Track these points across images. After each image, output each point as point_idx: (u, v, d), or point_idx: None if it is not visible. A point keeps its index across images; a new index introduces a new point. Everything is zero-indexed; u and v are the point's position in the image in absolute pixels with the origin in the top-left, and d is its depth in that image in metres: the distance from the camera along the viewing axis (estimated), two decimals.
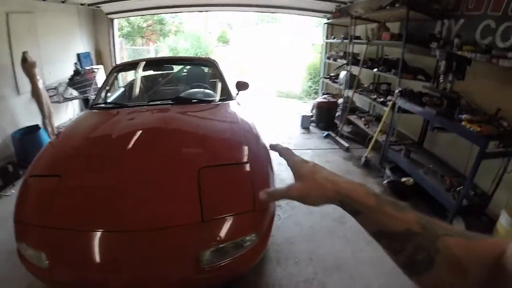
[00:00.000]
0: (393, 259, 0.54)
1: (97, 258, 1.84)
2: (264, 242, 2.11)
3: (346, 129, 6.01)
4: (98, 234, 1.90)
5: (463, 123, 2.92)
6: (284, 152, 0.72)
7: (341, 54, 7.00)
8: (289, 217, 3.35)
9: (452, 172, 3.51)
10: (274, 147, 0.75)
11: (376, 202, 0.55)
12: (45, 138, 4.75)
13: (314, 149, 5.44)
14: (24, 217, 2.06)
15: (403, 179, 3.69)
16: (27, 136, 4.69)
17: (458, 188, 3.10)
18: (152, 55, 14.50)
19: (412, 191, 3.62)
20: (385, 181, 3.91)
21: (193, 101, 3.63)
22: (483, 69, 3.21)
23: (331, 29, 8.15)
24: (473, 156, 2.88)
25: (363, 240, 2.95)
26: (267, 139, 2.82)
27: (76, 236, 1.90)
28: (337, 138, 5.75)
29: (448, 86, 3.43)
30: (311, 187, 0.62)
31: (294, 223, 3.26)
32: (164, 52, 15.69)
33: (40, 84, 4.92)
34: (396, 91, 4.11)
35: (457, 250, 0.47)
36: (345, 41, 6.41)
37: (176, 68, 5.21)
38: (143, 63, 4.49)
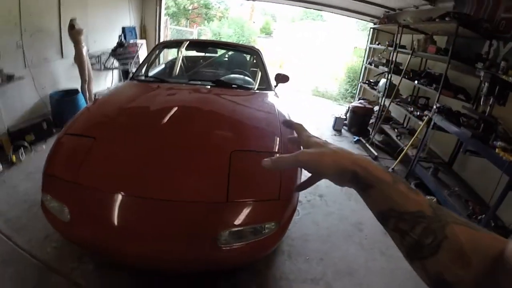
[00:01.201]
0: (398, 241, 0.51)
1: (118, 220, 1.88)
2: (281, 232, 2.11)
3: (377, 137, 5.94)
4: (122, 197, 1.94)
5: (497, 150, 2.84)
6: (297, 126, 0.70)
7: (383, 61, 6.88)
8: (308, 215, 3.39)
9: (476, 199, 3.44)
10: (287, 122, 0.73)
11: (391, 179, 0.53)
12: (82, 102, 4.97)
13: None
14: (54, 170, 2.12)
15: (427, 197, 3.65)
16: (65, 98, 4.91)
17: (479, 216, 3.04)
18: (195, 37, 14.72)
19: None
20: None
21: (233, 86, 3.65)
22: None
23: (376, 35, 8.01)
24: (501, 186, 2.81)
25: (378, 250, 2.96)
26: None
27: (100, 196, 1.96)
28: (367, 145, 5.70)
29: (487, 110, 3.34)
30: (323, 153, 0.58)
31: (312, 222, 3.28)
32: (207, 35, 15.85)
33: (84, 51, 5.14)
34: (434, 106, 4.04)
35: (463, 239, 0.46)
36: (389, 48, 6.30)
37: (219, 52, 5.26)
38: (187, 43, 4.58)
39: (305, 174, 2.57)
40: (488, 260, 0.44)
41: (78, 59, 5.09)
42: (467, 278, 0.45)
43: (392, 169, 4.58)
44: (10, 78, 4.03)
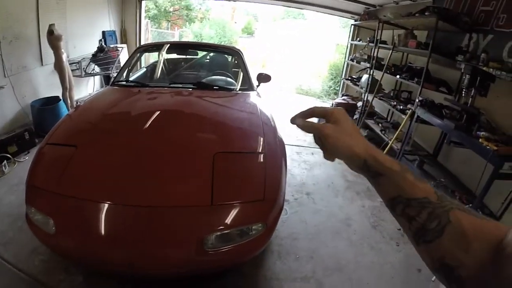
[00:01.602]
0: (406, 226, 0.55)
1: (103, 229, 1.86)
2: (269, 233, 2.10)
3: (362, 132, 5.96)
4: (107, 206, 1.92)
5: (480, 140, 2.88)
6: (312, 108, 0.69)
7: (365, 57, 6.93)
8: (296, 213, 3.37)
9: (463, 189, 3.47)
10: (294, 120, 0.71)
11: (399, 168, 0.57)
12: (64, 110, 4.86)
13: None
14: (36, 182, 2.10)
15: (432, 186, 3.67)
16: (46, 107, 4.79)
17: (467, 206, 3.06)
18: (176, 39, 14.63)
19: None
20: None
21: (214, 87, 3.65)
22: (507, 88, 3.15)
23: (357, 31, 8.07)
24: (486, 175, 2.84)
25: (367, 245, 2.98)
26: (282, 133, 2.85)
27: (84, 206, 1.93)
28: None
29: (469, 101, 3.38)
30: (346, 132, 0.62)
31: (300, 220, 3.27)
32: (188, 37, 15.80)
33: (64, 57, 5.02)
34: (417, 100, 4.07)
35: (465, 224, 0.49)
36: (371, 44, 6.34)
37: (200, 54, 5.22)
38: (168, 46, 4.54)
39: (291, 173, 2.58)
40: (490, 246, 0.46)
41: (58, 65, 4.97)
42: (468, 262, 0.47)
43: None
44: None
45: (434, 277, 2.57)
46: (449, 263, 0.49)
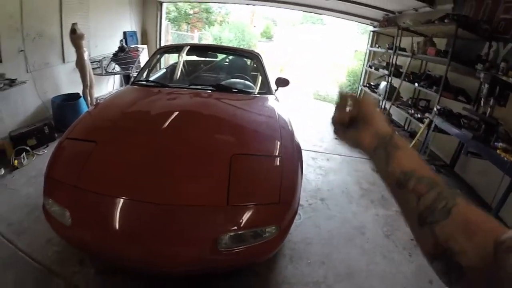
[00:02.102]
0: (413, 203, 0.55)
1: (118, 224, 1.89)
2: (282, 236, 2.11)
3: None
4: (123, 201, 1.94)
5: (498, 151, 2.83)
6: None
7: (384, 64, 6.88)
8: (309, 218, 3.36)
9: (478, 201, 3.41)
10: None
11: (412, 147, 0.59)
12: (84, 106, 4.98)
13: (344, 156, 5.39)
14: (55, 174, 2.15)
15: None
16: (67, 103, 4.92)
17: None
18: (195, 41, 14.78)
19: None
20: None
21: (233, 90, 3.66)
22: None
23: (376, 38, 8.03)
24: (503, 188, 2.80)
25: (379, 253, 2.95)
26: (299, 138, 2.86)
27: (101, 200, 1.96)
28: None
29: (488, 111, 3.33)
30: (378, 111, 0.66)
31: (313, 225, 3.26)
32: (208, 40, 15.91)
33: (85, 56, 5.16)
34: (435, 109, 4.03)
35: (471, 212, 0.51)
36: (389, 51, 6.30)
37: (219, 57, 5.27)
38: (188, 48, 4.59)
39: (306, 178, 2.56)
40: (491, 240, 0.46)
41: (80, 63, 5.12)
42: (471, 251, 0.47)
43: None
44: (12, 82, 4.06)
45: None
46: (452, 248, 0.49)
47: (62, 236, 2.09)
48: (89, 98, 5.36)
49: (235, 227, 1.93)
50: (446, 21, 4.16)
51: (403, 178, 0.57)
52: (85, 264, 2.38)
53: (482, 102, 3.46)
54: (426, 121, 4.22)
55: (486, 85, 3.26)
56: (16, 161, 3.70)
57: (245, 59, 5.24)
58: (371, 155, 0.66)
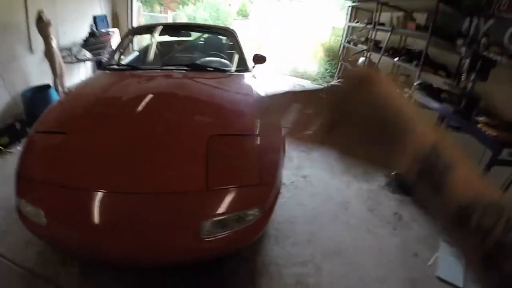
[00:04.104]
0: (478, 242, 0.38)
1: (96, 218, 1.82)
2: (266, 218, 2.07)
3: None
4: (99, 194, 1.87)
5: (479, 125, 2.87)
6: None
7: (362, 39, 6.85)
8: (293, 197, 3.35)
9: None
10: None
11: (468, 159, 0.41)
12: (56, 97, 4.72)
13: None
14: (26, 173, 2.04)
15: None
16: (37, 95, 4.66)
17: None
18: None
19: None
20: (392, 173, 3.89)
21: (208, 69, 3.57)
22: (508, 74, 3.11)
23: (355, 13, 7.95)
24: (484, 161, 2.84)
25: (365, 228, 2.99)
26: None
27: (75, 195, 1.88)
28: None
29: (469, 86, 3.36)
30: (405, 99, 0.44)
31: (297, 203, 3.25)
32: (182, 20, 15.45)
33: (54, 44, 4.88)
34: (415, 83, 4.05)
35: None
36: (368, 26, 6.27)
37: (193, 36, 5.12)
38: (160, 28, 4.40)
39: (288, 156, 2.50)
40: None
41: (48, 53, 4.82)
42: None
43: None
44: None
45: (431, 261, 2.61)
46: None
47: (39, 237, 2.00)
48: (60, 88, 5.09)
49: (217, 212, 1.87)
50: None
51: (463, 213, 0.39)
52: (68, 263, 2.29)
53: (463, 77, 3.48)
54: (406, 96, 4.24)
55: (467, 60, 3.28)
56: None
57: (220, 36, 5.09)
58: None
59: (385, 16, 5.80)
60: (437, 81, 4.06)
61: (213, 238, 1.85)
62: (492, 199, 0.38)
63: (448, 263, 2.56)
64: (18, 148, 3.93)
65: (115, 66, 3.65)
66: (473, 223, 0.38)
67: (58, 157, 2.03)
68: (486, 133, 2.76)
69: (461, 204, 0.39)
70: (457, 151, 0.41)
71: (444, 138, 0.42)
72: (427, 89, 3.87)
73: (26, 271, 2.24)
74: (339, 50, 8.87)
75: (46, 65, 4.96)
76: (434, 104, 3.54)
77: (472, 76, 3.28)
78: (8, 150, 3.90)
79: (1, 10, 4.27)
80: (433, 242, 2.84)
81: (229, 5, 18.92)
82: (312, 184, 3.64)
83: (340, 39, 8.86)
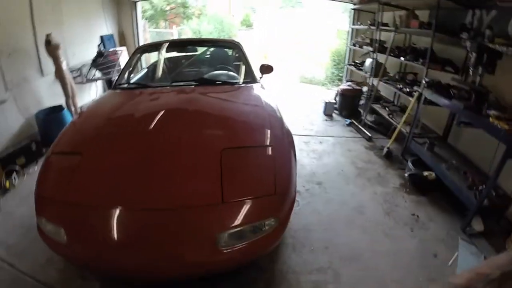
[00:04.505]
0: None
1: (115, 235, 1.85)
2: (282, 227, 2.09)
3: (369, 118, 5.92)
4: (117, 211, 1.91)
5: (490, 119, 2.81)
6: None
7: (367, 41, 6.82)
8: (308, 204, 3.35)
9: (475, 170, 3.40)
10: None
11: None
12: (68, 118, 4.86)
13: (336, 136, 5.39)
14: (45, 192, 2.11)
15: (425, 173, 3.62)
16: (51, 116, 4.81)
17: (480, 187, 3.00)
18: (175, 38, 14.53)
19: (433, 185, 3.55)
20: (407, 174, 3.85)
21: (216, 82, 3.61)
22: None
23: (357, 15, 7.93)
24: (498, 155, 2.79)
25: (381, 232, 2.96)
26: (289, 124, 2.82)
27: (94, 213, 1.93)
28: (360, 126, 5.67)
29: (477, 80, 3.31)
30: None
31: (312, 210, 3.25)
32: (187, 35, 15.63)
33: (64, 66, 5.01)
34: (423, 81, 4.01)
35: None
36: (372, 27, 6.24)
37: (200, 50, 5.19)
38: (166, 44, 4.49)
39: (300, 164, 2.51)
40: None
41: (59, 74, 4.97)
42: None
43: (388, 148, 4.53)
44: None
45: (451, 261, 2.56)
46: None
47: (60, 255, 2.05)
48: (72, 108, 5.23)
49: (233, 224, 1.90)
50: None
51: None
52: (87, 279, 2.34)
53: (470, 71, 3.43)
54: (416, 94, 4.20)
55: (474, 54, 3.24)
56: (7, 183, 3.62)
57: (226, 49, 5.18)
58: None
59: (387, 16, 5.78)
60: (445, 77, 4.01)
61: (230, 249, 1.87)
62: None
63: (468, 262, 2.51)
64: (35, 168, 4.06)
65: (125, 85, 3.72)
66: None
67: (76, 177, 2.10)
68: (498, 126, 2.71)
69: None
70: None
71: None
72: (436, 86, 3.82)
73: (47, 287, 2.29)
74: (345, 53, 8.83)
75: (57, 87, 5.11)
76: (444, 101, 3.49)
77: (480, 70, 3.23)
78: (26, 171, 4.02)
79: (11, 35, 4.46)
80: (453, 242, 2.79)
81: (233, 16, 19.10)
82: (326, 190, 3.63)
83: (345, 42, 8.83)
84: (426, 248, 2.74)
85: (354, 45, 7.62)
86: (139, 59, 4.71)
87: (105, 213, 1.92)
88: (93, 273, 2.34)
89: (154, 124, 2.53)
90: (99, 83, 7.10)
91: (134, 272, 1.90)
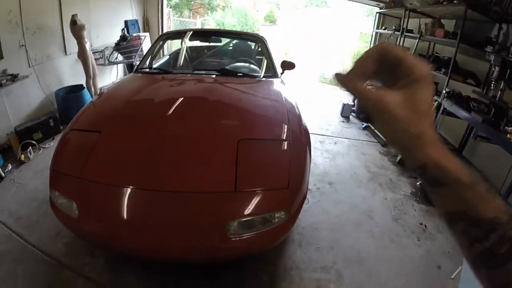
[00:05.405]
0: (465, 246, 0.44)
1: (125, 214, 1.88)
2: (292, 221, 2.09)
3: None
4: (130, 190, 1.94)
5: (508, 135, 2.80)
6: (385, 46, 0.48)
7: None
8: (318, 203, 3.37)
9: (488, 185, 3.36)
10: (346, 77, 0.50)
11: (469, 180, 0.43)
12: (88, 97, 4.98)
13: (351, 139, 5.38)
14: (61, 167, 2.14)
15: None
16: (70, 95, 4.93)
17: None
18: (198, 27, 14.63)
19: None
20: (419, 183, 3.85)
21: (238, 74, 3.62)
22: None
23: (382, 19, 7.87)
24: None
25: (388, 238, 2.96)
26: (306, 122, 2.81)
27: (108, 190, 1.96)
28: (376, 131, 5.64)
29: (498, 94, 3.28)
30: (416, 109, 0.44)
31: (322, 210, 3.26)
32: (210, 26, 15.67)
33: (87, 46, 5.12)
34: (444, 91, 3.98)
35: None
36: (396, 33, 6.20)
37: (223, 42, 5.20)
38: (191, 33, 4.49)
39: (314, 162, 2.53)
40: None
41: (82, 55, 5.09)
42: None
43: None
44: (14, 77, 4.04)
45: (454, 274, 2.56)
46: None
47: (70, 229, 2.10)
48: (92, 89, 5.36)
49: (244, 213, 1.91)
50: (455, 1, 4.07)
51: (449, 219, 0.46)
52: (95, 255, 2.41)
53: (492, 85, 3.40)
54: (435, 104, 4.17)
55: (497, 68, 3.21)
56: (22, 156, 3.73)
57: (249, 43, 5.15)
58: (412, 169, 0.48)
59: (413, 23, 5.72)
60: (466, 89, 3.97)
61: (238, 238, 1.89)
62: (484, 214, 0.42)
63: (472, 277, 2.51)
64: (51, 144, 4.19)
65: (147, 69, 3.77)
66: (459, 229, 0.45)
67: (93, 154, 2.13)
68: None
69: (448, 209, 0.45)
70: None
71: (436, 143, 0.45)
72: (456, 97, 3.80)
73: (55, 261, 2.37)
74: None
75: (79, 67, 5.25)
76: (463, 113, 3.47)
77: (502, 85, 3.20)
78: (41, 145, 4.12)
79: (37, 13, 4.58)
80: (458, 256, 2.79)
81: (257, 11, 19.06)
82: (337, 191, 3.64)
83: (368, 45, 8.77)
84: (430, 259, 2.74)
85: None
86: (162, 45, 4.75)
87: (118, 192, 1.95)
88: (101, 249, 2.40)
89: (173, 110, 2.55)
90: (120, 67, 7.22)
91: (142, 251, 1.94)
